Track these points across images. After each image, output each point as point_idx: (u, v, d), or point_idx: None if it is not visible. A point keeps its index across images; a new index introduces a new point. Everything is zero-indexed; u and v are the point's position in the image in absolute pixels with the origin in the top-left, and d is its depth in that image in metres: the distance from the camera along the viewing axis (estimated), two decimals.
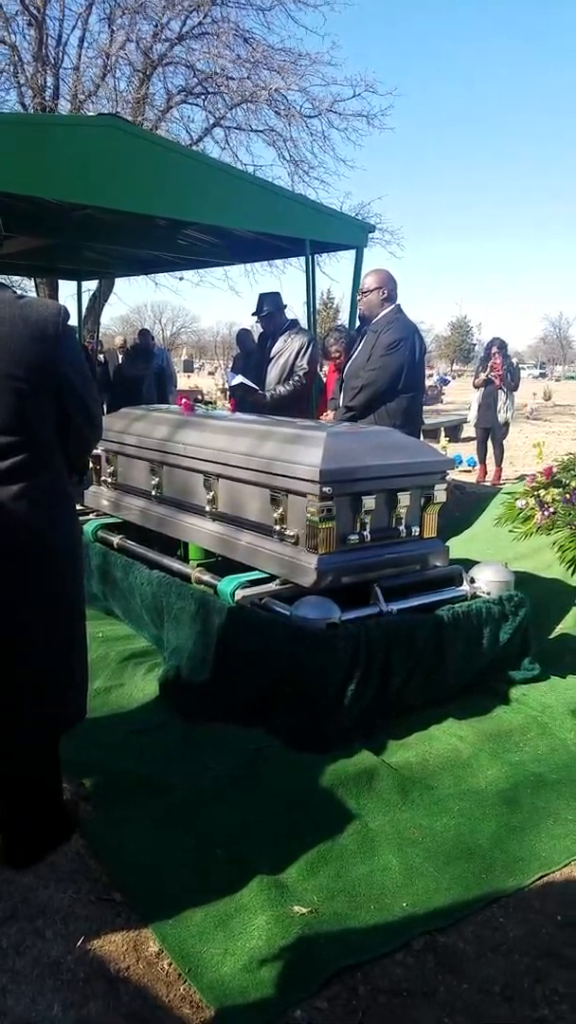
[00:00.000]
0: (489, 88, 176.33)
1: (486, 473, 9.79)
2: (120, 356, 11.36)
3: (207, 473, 3.84)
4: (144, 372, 10.45)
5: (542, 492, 5.33)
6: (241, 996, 1.93)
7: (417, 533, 3.59)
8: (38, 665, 2.22)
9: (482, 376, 9.73)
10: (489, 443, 9.81)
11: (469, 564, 3.85)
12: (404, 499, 3.47)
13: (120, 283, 16.33)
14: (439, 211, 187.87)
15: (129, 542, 4.35)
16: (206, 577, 3.67)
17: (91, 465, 4.88)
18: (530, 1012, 1.92)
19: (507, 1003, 1.94)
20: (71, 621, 2.31)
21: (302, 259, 7.65)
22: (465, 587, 3.66)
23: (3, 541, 2.12)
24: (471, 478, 9.64)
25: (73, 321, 2.40)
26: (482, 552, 4.95)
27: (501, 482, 8.92)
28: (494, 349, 9.77)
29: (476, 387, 9.99)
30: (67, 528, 2.29)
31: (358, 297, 5.16)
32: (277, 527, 3.41)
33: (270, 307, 5.88)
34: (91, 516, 4.88)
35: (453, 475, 6.29)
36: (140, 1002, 1.92)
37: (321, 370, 7.00)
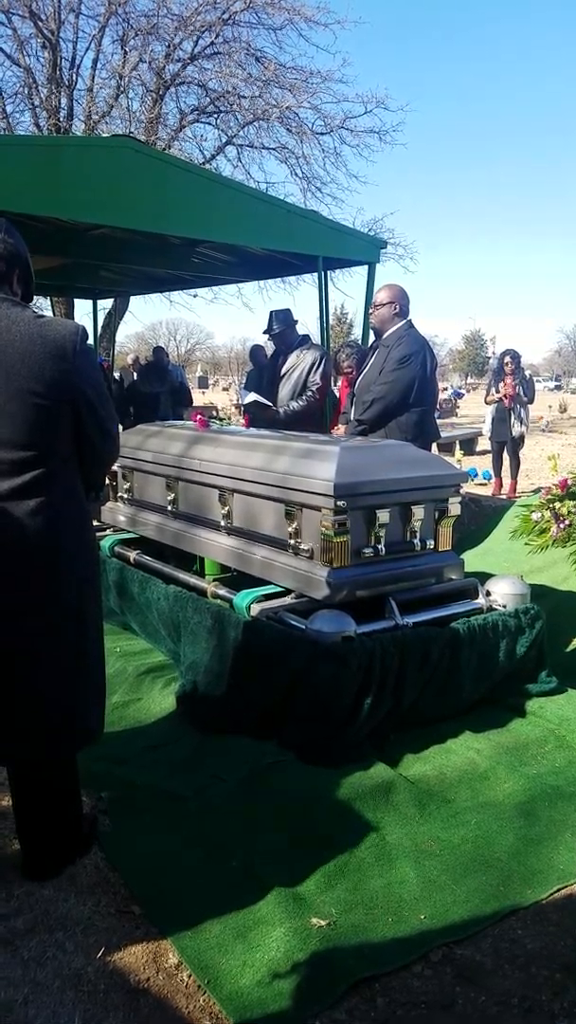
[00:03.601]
0: (501, 101, 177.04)
1: (501, 486, 9.78)
2: (134, 373, 11.47)
3: (222, 488, 3.87)
4: (160, 389, 10.54)
5: (557, 505, 5.33)
6: (260, 1008, 1.94)
7: (432, 546, 3.60)
8: (51, 681, 2.22)
9: (494, 395, 9.74)
10: (504, 456, 9.80)
11: (484, 577, 3.86)
12: (418, 512, 3.49)
13: (135, 301, 16.49)
14: (452, 225, 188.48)
15: (145, 557, 4.38)
16: (222, 591, 3.70)
17: (107, 481, 4.93)
18: None
19: (525, 1016, 1.94)
20: (85, 638, 2.31)
21: (315, 275, 7.70)
22: (481, 600, 3.67)
23: (18, 556, 2.14)
24: (486, 491, 9.63)
25: (90, 340, 2.44)
26: (497, 565, 4.96)
27: (516, 495, 8.90)
28: (507, 358, 9.77)
29: (488, 403, 10.00)
30: (83, 544, 2.31)
31: (370, 311, 5.20)
32: (292, 541, 3.44)
33: (280, 324, 5.90)
34: (108, 532, 4.92)
35: (468, 488, 6.29)
36: (160, 1014, 1.93)
37: (334, 385, 7.03)
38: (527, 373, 10.26)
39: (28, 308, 2.21)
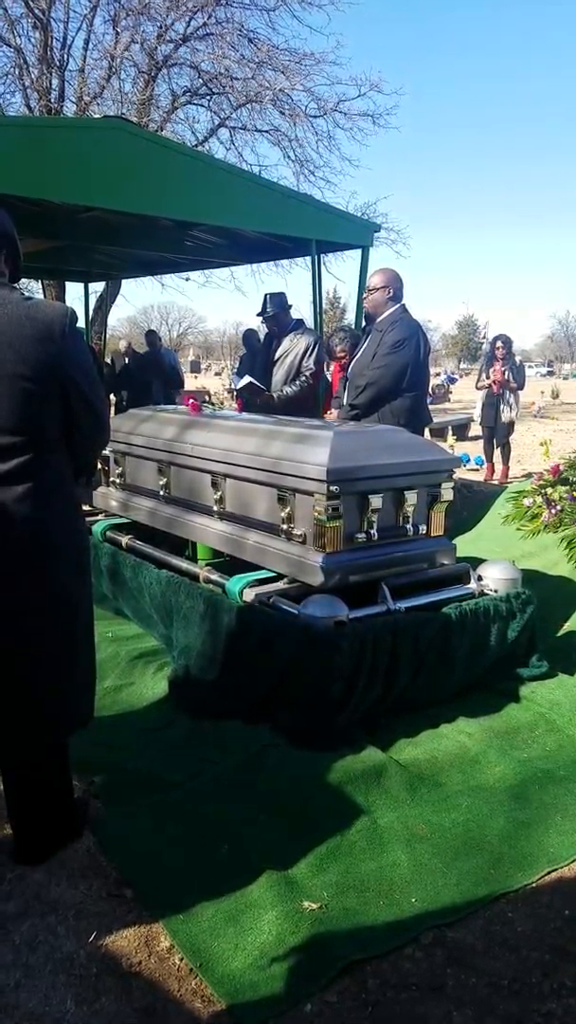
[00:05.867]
0: (496, 87, 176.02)
1: (493, 471, 9.78)
2: (126, 359, 11.41)
3: (215, 473, 3.86)
4: (152, 377, 10.49)
5: (549, 490, 5.32)
6: (252, 990, 1.95)
7: (424, 531, 3.60)
8: (41, 671, 2.21)
9: (484, 380, 9.74)
10: (495, 441, 9.80)
11: (476, 562, 3.86)
12: (411, 498, 3.48)
13: (127, 284, 16.41)
14: (445, 210, 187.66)
15: (138, 542, 4.37)
16: (214, 576, 3.69)
17: (99, 466, 4.90)
18: (538, 1006, 1.93)
19: (515, 997, 1.96)
20: (75, 625, 2.30)
21: (308, 259, 7.67)
22: (472, 585, 3.67)
23: (6, 544, 2.12)
24: (478, 476, 9.63)
25: (80, 323, 2.41)
26: (489, 550, 4.96)
27: (508, 480, 8.91)
28: (498, 344, 9.75)
29: (478, 389, 10.00)
30: (72, 530, 2.28)
31: (364, 295, 5.17)
32: (284, 526, 3.43)
33: (274, 307, 5.87)
34: (100, 517, 4.90)
35: (460, 474, 6.29)
36: (152, 997, 1.94)
37: (327, 370, 7.00)
38: (517, 359, 10.20)
39: (16, 290, 2.18)
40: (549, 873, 2.41)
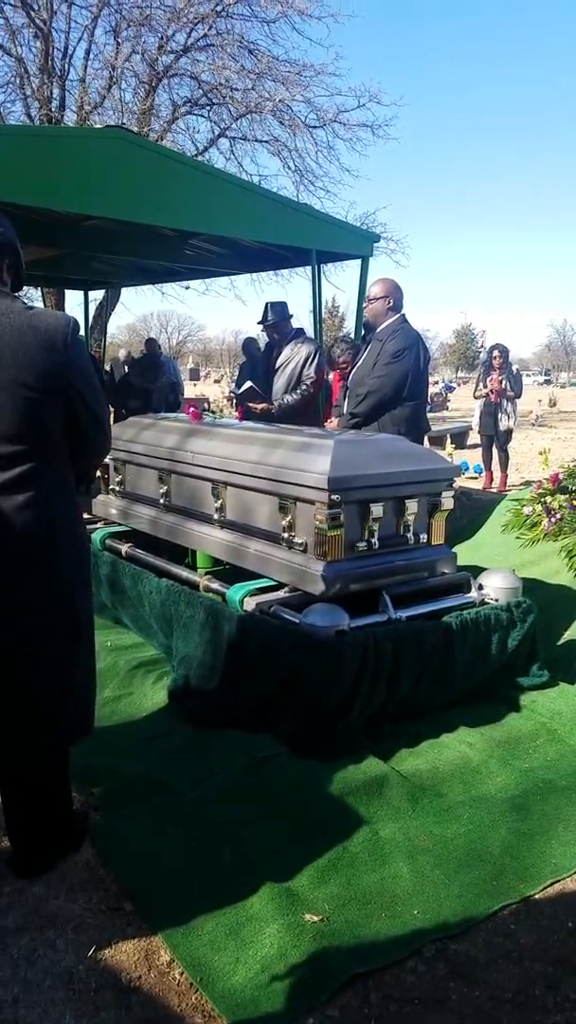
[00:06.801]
0: (495, 95, 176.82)
1: (492, 480, 9.79)
2: (126, 367, 11.42)
3: (215, 481, 3.85)
4: (152, 385, 10.49)
5: (548, 498, 5.32)
6: (253, 1005, 1.93)
7: (425, 540, 3.59)
8: (41, 671, 2.21)
9: (482, 390, 9.80)
10: (494, 450, 9.82)
11: (477, 571, 3.85)
12: (412, 506, 3.48)
13: (126, 292, 16.41)
14: (443, 216, 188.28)
15: (137, 551, 4.36)
16: (214, 585, 3.68)
17: (99, 474, 4.90)
18: (542, 1019, 1.91)
19: (519, 1010, 1.94)
20: (75, 626, 2.29)
21: (308, 268, 7.68)
22: (473, 594, 3.66)
23: (9, 551, 2.12)
24: (477, 485, 9.63)
25: (81, 332, 2.41)
26: (489, 559, 4.95)
27: (507, 488, 8.91)
28: (495, 353, 9.79)
29: (476, 398, 10.04)
30: (74, 539, 2.28)
31: (364, 304, 5.18)
32: (285, 535, 3.42)
33: (275, 316, 5.88)
34: (99, 525, 4.89)
35: (459, 482, 6.28)
36: (152, 1012, 1.92)
37: (327, 378, 7.01)
38: (514, 368, 10.25)
39: (18, 299, 2.19)
40: (552, 884, 2.39)
